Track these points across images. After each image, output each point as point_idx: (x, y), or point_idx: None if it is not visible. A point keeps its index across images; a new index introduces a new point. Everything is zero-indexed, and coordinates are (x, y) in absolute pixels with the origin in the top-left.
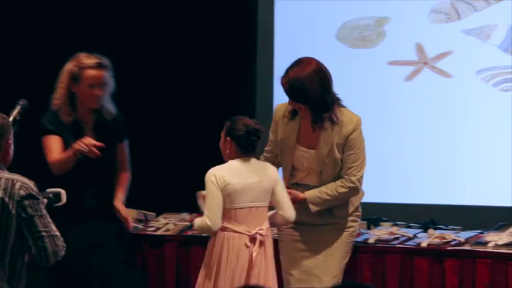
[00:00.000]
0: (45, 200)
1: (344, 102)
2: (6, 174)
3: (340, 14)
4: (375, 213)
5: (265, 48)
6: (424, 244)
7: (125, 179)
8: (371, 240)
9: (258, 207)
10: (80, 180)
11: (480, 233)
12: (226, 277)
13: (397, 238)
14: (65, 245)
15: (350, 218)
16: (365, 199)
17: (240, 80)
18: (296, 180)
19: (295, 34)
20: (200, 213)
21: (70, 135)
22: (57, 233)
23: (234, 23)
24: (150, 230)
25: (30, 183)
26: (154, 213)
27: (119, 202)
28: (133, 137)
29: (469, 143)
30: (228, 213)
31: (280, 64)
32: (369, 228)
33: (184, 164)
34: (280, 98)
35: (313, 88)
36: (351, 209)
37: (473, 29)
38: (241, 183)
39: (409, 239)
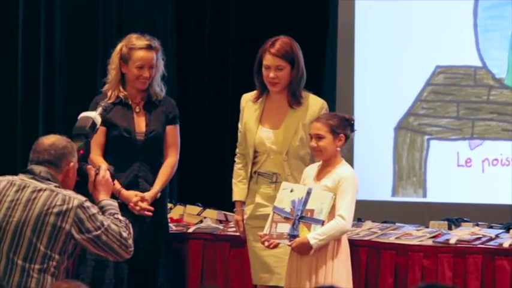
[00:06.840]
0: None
1: None
2: (63, 190)
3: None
4: (457, 214)
5: (346, 49)
6: (506, 244)
7: (168, 166)
8: (452, 241)
9: None
10: (124, 162)
11: None
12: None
13: (478, 238)
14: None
15: None
16: (446, 199)
17: (320, 79)
18: (256, 168)
19: (375, 34)
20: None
21: (118, 114)
22: (109, 223)
23: (315, 22)
24: (230, 231)
25: (83, 199)
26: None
27: (149, 194)
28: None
29: None
30: None
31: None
32: (450, 228)
33: None
34: (360, 99)
35: (300, 56)
36: None
37: None
38: None
39: (491, 239)
